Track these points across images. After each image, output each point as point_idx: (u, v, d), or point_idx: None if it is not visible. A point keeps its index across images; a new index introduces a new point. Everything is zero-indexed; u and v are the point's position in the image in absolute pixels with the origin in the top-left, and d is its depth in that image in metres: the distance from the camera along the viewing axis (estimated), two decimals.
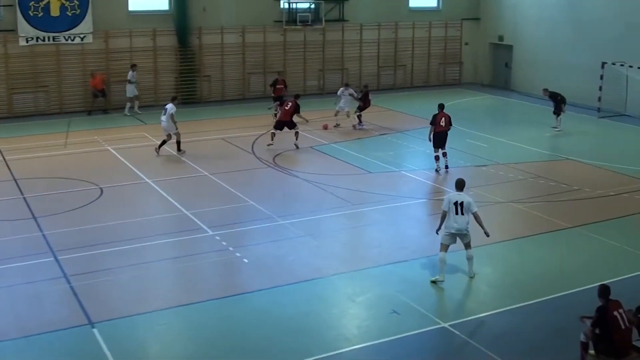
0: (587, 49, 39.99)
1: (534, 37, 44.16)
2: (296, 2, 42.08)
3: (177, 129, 28.81)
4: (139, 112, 37.11)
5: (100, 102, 37.52)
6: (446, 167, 27.07)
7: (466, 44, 48.30)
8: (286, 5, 41.95)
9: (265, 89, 41.19)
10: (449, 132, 27.13)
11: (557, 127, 34.18)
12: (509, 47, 46.25)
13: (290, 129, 30.52)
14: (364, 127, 33.96)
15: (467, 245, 17.53)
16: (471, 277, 17.69)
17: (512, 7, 45.54)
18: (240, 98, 41.19)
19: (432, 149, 27.04)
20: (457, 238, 17.45)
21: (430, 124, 27.19)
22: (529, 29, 44.45)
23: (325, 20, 42.70)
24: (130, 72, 37.19)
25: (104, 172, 26.44)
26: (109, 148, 29.95)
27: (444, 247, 17.40)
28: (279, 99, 34.87)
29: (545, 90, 34.75)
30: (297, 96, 31.68)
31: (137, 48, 38.76)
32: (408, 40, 46.20)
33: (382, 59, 45.62)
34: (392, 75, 45.90)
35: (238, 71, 41.47)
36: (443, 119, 26.98)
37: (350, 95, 34.25)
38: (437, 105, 27.62)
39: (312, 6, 42.45)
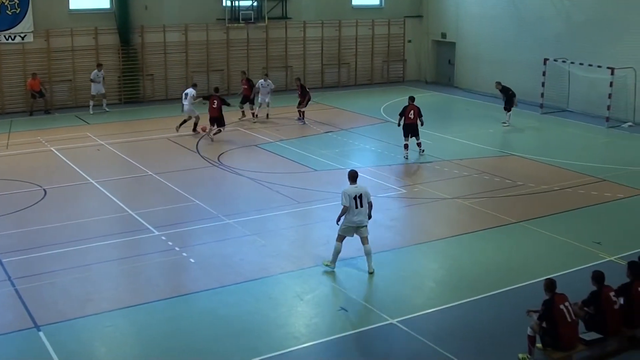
0: (529, 46, 40.42)
1: (476, 34, 44.51)
2: (239, 0, 41.90)
3: (196, 112, 32.07)
4: (107, 109, 37.05)
5: (40, 103, 36.94)
6: (421, 147, 28.83)
7: (409, 41, 48.53)
8: (229, 3, 41.72)
9: (208, 88, 41.05)
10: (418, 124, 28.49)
11: (506, 123, 34.57)
12: (452, 44, 46.57)
13: (219, 125, 31.14)
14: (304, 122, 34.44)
15: (365, 240, 17.61)
16: (371, 273, 17.64)
17: (454, 5, 45.84)
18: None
19: (402, 137, 28.63)
20: (355, 233, 17.64)
21: (400, 115, 28.58)
22: (472, 26, 44.80)
23: (268, 18, 42.61)
24: (94, 71, 36.86)
25: (47, 173, 26.10)
26: (52, 149, 29.51)
27: (341, 238, 17.66)
28: (247, 99, 35.38)
29: (498, 83, 35.17)
30: (216, 89, 32.72)
31: (79, 47, 38.27)
32: (351, 38, 46.30)
33: (325, 57, 45.64)
34: (336, 73, 45.95)
35: (181, 70, 41.18)
36: (412, 111, 28.23)
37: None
38: (407, 98, 29.36)
39: (255, 4, 42.32)
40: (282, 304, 16.27)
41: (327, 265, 17.79)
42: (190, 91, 32.36)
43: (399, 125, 28.67)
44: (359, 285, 17.04)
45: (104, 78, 37.25)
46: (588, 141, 32.53)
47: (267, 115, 35.38)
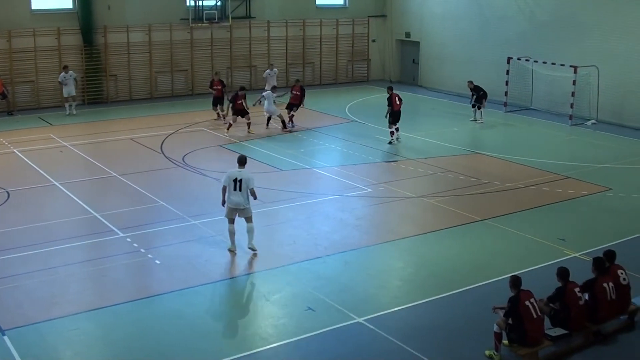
0: (493, 45, 40.70)
1: (440, 33, 44.72)
2: (202, 0, 41.73)
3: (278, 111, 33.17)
4: (74, 112, 36.33)
5: (2, 104, 36.53)
6: (398, 138, 30.62)
7: (373, 40, 48.64)
8: (192, 3, 41.54)
9: (172, 88, 41.01)
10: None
11: (478, 120, 34.88)
12: (416, 44, 46.74)
13: (242, 117, 32.06)
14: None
15: (248, 220, 18.57)
16: (250, 249, 18.65)
17: (418, 4, 46.00)
18: (148, 97, 40.71)
19: (388, 125, 30.51)
20: (238, 214, 18.52)
21: (388, 105, 30.29)
22: (436, 25, 45.00)
23: (232, 18, 42.49)
24: (61, 74, 36.25)
25: (10, 175, 25.79)
26: (14, 150, 29.18)
27: (230, 220, 18.59)
28: (220, 101, 35.14)
29: (470, 82, 35.40)
30: (242, 88, 32.95)
31: (42, 47, 37.85)
32: (316, 37, 46.33)
33: (290, 56, 45.61)
34: (300, 72, 45.81)
35: (145, 70, 40.94)
36: (397, 98, 30.03)
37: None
38: (386, 88, 31.44)
39: (219, 3, 42.21)
40: (248, 305, 16.25)
41: (229, 249, 18.77)
42: (268, 94, 32.96)
43: (386, 116, 30.36)
44: (326, 284, 17.02)
45: (75, 79, 36.67)
46: (552, 139, 32.81)
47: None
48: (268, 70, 39.02)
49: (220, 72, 38.67)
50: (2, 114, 36.32)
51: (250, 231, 18.60)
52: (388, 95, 30.57)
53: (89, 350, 14.35)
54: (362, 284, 17.24)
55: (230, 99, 32.91)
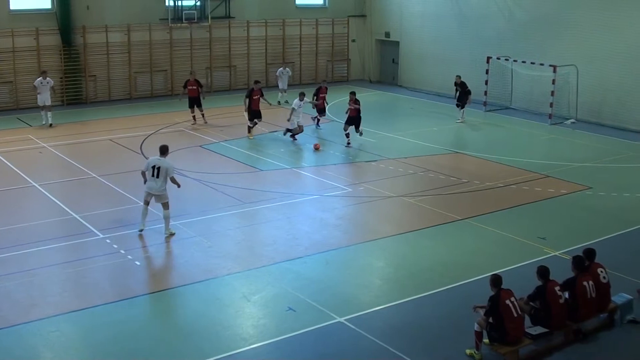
0: (472, 44, 40.84)
1: (420, 33, 44.79)
2: (181, 0, 41.61)
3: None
4: (50, 122, 33.31)
5: None
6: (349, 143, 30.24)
7: (353, 40, 48.69)
8: (171, 3, 41.42)
9: (152, 89, 40.87)
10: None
11: (459, 120, 34.93)
12: (396, 44, 46.81)
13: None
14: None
15: (164, 206, 19.69)
16: (166, 236, 19.73)
17: (397, 4, 46.07)
18: (127, 98, 40.55)
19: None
20: (155, 199, 19.73)
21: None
22: (415, 25, 45.07)
23: (212, 18, 42.38)
24: (38, 79, 33.73)
25: None
26: None
27: (145, 202, 19.85)
28: (196, 102, 34.03)
29: (458, 77, 35.47)
30: (256, 82, 32.85)
31: (20, 48, 37.66)
32: (295, 37, 46.29)
33: (270, 56, 45.54)
34: None
35: (124, 70, 40.77)
36: (353, 103, 30.23)
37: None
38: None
39: (198, 3, 42.11)
40: (229, 306, 16.17)
41: (140, 230, 19.94)
42: (297, 102, 30.93)
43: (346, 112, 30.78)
44: (307, 284, 17.00)
45: (52, 88, 34.16)
46: (531, 138, 32.95)
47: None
48: (281, 69, 39.27)
49: (196, 72, 38.06)
50: None
51: (166, 217, 19.76)
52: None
53: (69, 352, 14.26)
54: (343, 284, 17.23)
55: (247, 94, 32.04)
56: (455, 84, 35.51)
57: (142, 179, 19.81)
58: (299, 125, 30.89)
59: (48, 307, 15.85)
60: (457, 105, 35.54)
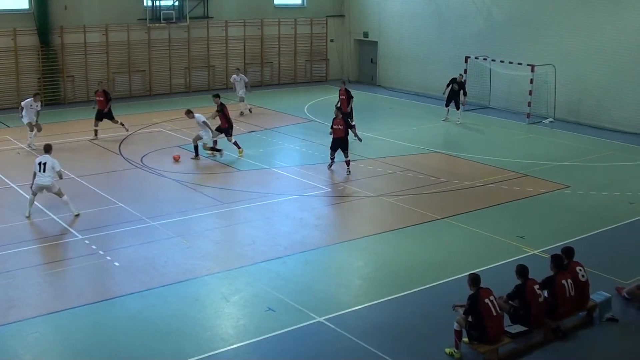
0: (450, 44, 40.96)
1: (398, 32, 44.87)
2: (160, 0, 41.48)
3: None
4: (34, 146, 29.17)
5: None
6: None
7: (332, 40, 48.74)
8: (149, 3, 41.32)
9: (130, 89, 40.76)
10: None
11: (458, 121, 35.01)
12: (374, 43, 46.88)
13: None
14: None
15: (58, 194, 21.46)
16: (75, 214, 21.41)
17: (376, 4, 46.14)
18: None
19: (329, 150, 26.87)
20: (45, 190, 21.41)
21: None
22: (394, 25, 45.14)
23: (190, 18, 42.29)
24: (28, 100, 29.88)
25: None
26: None
27: (33, 194, 21.45)
28: (104, 115, 31.12)
29: (461, 75, 35.58)
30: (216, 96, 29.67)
31: None
32: (274, 37, 46.29)
33: (248, 56, 45.51)
34: (259, 72, 45.86)
35: (102, 71, 40.59)
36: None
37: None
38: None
39: (176, 3, 42.02)
40: (208, 306, 16.12)
41: (26, 216, 21.35)
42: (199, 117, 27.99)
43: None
44: (286, 284, 16.97)
45: (38, 112, 29.84)
46: (510, 137, 33.06)
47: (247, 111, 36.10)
48: (235, 75, 37.04)
49: (104, 82, 35.33)
50: None
51: (65, 202, 21.43)
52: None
53: (48, 354, 14.18)
54: (323, 284, 17.21)
55: (218, 108, 28.67)
56: (456, 81, 35.11)
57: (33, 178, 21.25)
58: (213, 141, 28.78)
59: (27, 309, 15.74)
60: (449, 106, 35.23)
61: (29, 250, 19.16)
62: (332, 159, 26.61)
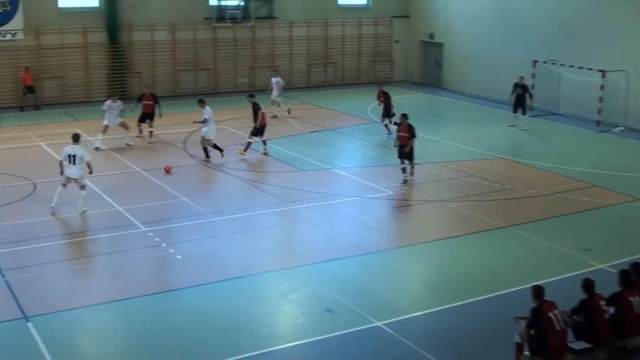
0: (518, 47, 40.17)
1: (464, 34, 44.34)
2: (225, 0, 41.78)
3: None
4: (131, 143, 30.01)
5: (30, 99, 37.14)
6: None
7: (396, 41, 48.44)
8: (215, 3, 41.69)
9: (196, 86, 41.04)
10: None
11: (523, 126, 34.38)
12: (440, 45, 46.41)
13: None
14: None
15: (81, 188, 21.26)
16: (81, 212, 21.07)
17: (442, 5, 45.68)
18: (171, 95, 40.65)
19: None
20: (73, 182, 21.17)
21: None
22: (460, 26, 44.63)
23: (255, 18, 42.50)
24: (107, 102, 30.06)
25: (37, 167, 26.06)
26: (41, 144, 29.63)
27: (63, 185, 21.24)
28: (148, 116, 30.92)
29: (521, 77, 34.85)
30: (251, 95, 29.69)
31: (68, 45, 38.51)
32: (338, 37, 46.20)
33: (312, 57, 45.55)
34: (322, 72, 45.85)
35: (169, 68, 41.14)
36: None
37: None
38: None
39: (242, 3, 42.22)
40: (266, 303, 16.13)
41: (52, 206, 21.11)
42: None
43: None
44: (345, 286, 16.87)
45: (122, 111, 30.07)
46: (578, 145, 32.31)
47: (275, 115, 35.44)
48: (274, 78, 36.27)
49: (151, 85, 35.56)
50: (30, 109, 37.07)
51: (82, 197, 21.19)
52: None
53: (109, 341, 14.52)
54: (380, 287, 17.08)
55: (255, 107, 28.55)
56: (518, 85, 34.43)
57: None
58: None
59: (91, 296, 16.26)
60: (517, 112, 34.57)
61: (96, 239, 19.74)
62: (403, 165, 25.62)
